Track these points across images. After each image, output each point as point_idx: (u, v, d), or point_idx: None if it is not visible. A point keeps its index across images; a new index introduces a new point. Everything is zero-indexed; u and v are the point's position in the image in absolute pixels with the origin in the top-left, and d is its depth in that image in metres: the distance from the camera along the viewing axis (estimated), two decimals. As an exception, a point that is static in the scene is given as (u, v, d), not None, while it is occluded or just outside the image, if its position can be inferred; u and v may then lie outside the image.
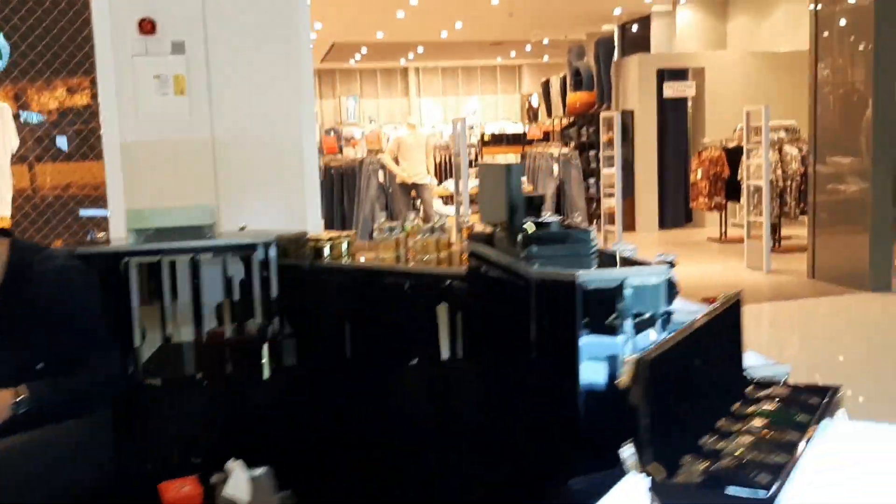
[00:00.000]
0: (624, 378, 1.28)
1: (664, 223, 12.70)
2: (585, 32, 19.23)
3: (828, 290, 7.48)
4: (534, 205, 2.27)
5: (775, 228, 9.73)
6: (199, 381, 2.97)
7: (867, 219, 7.38)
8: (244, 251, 3.01)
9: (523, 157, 11.59)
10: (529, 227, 2.12)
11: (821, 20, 7.82)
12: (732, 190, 10.26)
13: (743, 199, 9.82)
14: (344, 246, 3.21)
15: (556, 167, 10.62)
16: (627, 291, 1.80)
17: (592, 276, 1.84)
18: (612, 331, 1.79)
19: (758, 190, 8.93)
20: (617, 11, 16.38)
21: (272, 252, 3.01)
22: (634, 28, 17.75)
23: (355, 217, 10.63)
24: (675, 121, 12.75)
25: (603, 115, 10.68)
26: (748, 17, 14.87)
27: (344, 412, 2.87)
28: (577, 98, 13.62)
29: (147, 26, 4.22)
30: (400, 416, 2.75)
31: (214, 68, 4.93)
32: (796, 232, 9.99)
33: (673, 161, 12.28)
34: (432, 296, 2.63)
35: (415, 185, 9.97)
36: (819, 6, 7.78)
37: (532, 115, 22.41)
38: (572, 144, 14.17)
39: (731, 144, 10.61)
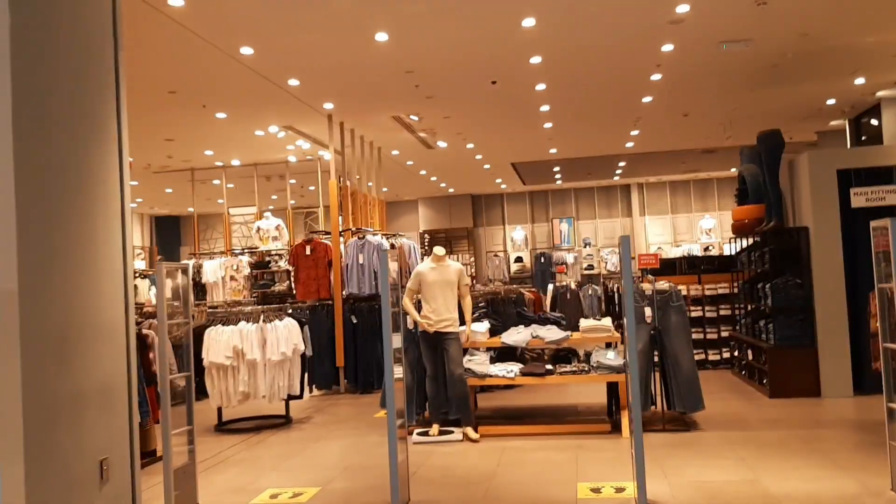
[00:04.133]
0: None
1: (863, 385, 8.85)
2: (814, 131, 15.59)
3: None
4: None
5: None
6: None
7: None
8: None
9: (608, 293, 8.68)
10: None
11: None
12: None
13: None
14: None
15: (647, 310, 7.63)
16: None
17: None
18: None
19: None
20: (830, 102, 12.83)
21: None
22: (874, 121, 13.86)
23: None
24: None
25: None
26: None
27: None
28: (743, 213, 10.34)
29: None
30: None
31: None
32: None
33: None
34: None
35: (438, 336, 7.60)
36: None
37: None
38: (744, 274, 10.81)
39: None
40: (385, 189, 20.94)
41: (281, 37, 8.18)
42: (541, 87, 10.66)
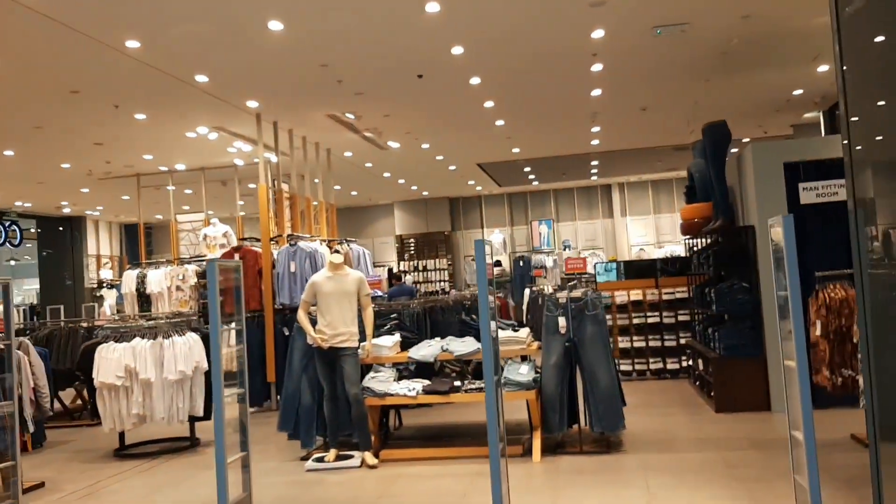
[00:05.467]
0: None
1: (816, 399, 8.04)
2: (789, 125, 14.83)
3: None
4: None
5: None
6: None
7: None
8: None
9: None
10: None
11: None
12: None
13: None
14: None
15: (561, 320, 6.91)
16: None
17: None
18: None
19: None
20: (797, 93, 12.08)
21: None
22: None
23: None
24: (828, 241, 8.24)
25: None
26: None
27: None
28: (691, 212, 9.61)
29: None
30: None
31: None
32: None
33: (826, 301, 7.74)
34: None
35: (334, 352, 6.91)
36: None
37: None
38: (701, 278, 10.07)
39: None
40: (355, 193, 20.34)
41: (166, 27, 7.53)
42: (475, 80, 9.96)
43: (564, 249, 21.88)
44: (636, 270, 13.09)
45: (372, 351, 7.15)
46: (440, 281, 22.34)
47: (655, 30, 8.32)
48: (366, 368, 7.38)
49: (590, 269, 20.97)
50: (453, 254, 22.68)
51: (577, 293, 7.01)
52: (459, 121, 12.41)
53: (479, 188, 21.30)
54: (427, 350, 7.28)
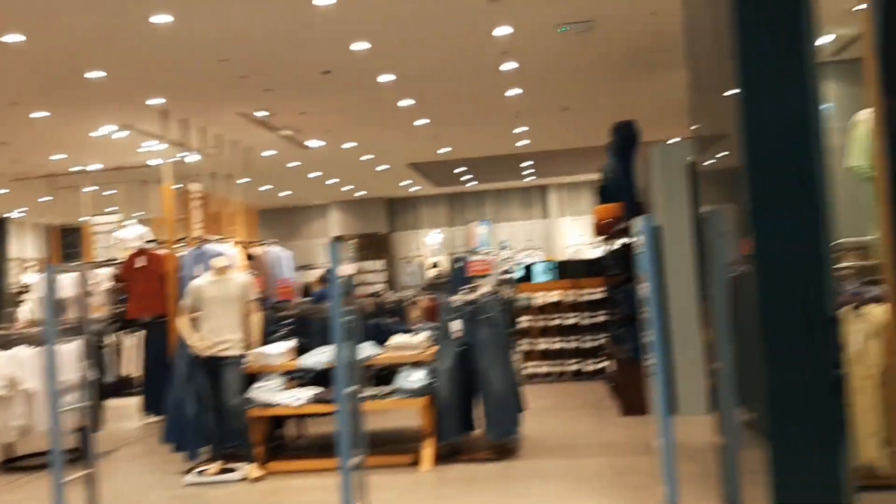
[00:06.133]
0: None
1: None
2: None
3: None
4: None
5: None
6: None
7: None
8: None
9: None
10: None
11: None
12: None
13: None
14: None
15: (454, 324, 6.72)
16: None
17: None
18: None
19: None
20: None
21: None
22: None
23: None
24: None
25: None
26: None
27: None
28: (602, 212, 9.51)
29: None
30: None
31: None
32: None
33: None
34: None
35: (216, 360, 6.63)
36: None
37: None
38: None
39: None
40: (289, 192, 20.01)
41: (50, 20, 7.17)
42: (389, 77, 9.74)
43: (502, 250, 21.76)
44: (563, 271, 12.96)
45: (258, 359, 6.88)
46: (377, 283, 22.06)
47: (558, 28, 8.19)
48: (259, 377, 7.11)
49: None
50: (390, 255, 22.44)
51: (473, 296, 6.84)
52: (380, 120, 12.20)
53: (416, 188, 21.10)
54: (320, 357, 7.02)
